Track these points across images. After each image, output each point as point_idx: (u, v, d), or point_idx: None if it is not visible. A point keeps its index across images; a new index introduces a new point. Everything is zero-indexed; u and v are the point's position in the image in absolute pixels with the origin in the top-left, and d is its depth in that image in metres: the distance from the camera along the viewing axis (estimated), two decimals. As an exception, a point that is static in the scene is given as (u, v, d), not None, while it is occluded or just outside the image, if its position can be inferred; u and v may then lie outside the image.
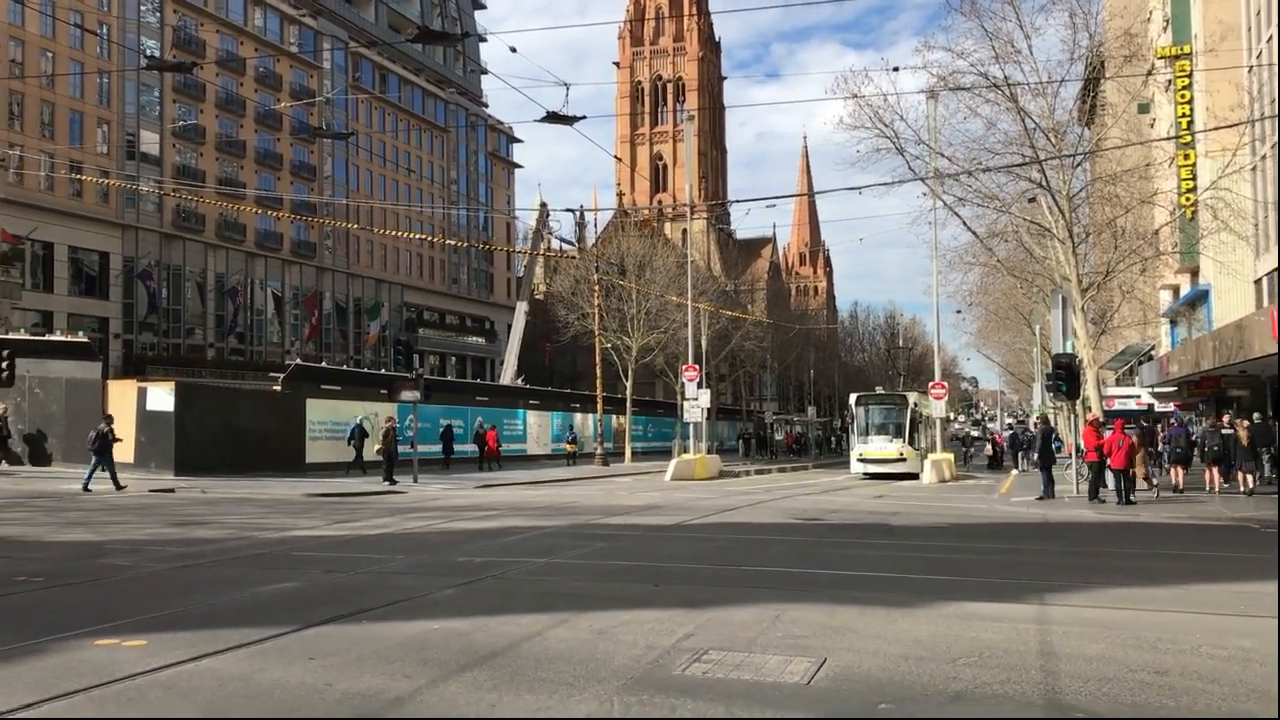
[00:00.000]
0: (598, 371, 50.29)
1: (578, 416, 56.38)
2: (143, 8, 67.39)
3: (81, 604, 9.55)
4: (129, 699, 6.14)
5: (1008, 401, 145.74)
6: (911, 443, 41.05)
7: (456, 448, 41.03)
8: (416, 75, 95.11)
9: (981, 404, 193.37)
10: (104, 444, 24.93)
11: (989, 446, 54.96)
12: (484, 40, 34.49)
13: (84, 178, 60.26)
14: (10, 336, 32.14)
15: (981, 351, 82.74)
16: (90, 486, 24.32)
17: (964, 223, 32.49)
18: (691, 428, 41.92)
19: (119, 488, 24.63)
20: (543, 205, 70.47)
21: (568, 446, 49.31)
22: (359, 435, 34.88)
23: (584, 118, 26.00)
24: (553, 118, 25.11)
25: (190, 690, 6.34)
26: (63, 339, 37.75)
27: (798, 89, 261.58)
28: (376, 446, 31.53)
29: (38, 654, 7.22)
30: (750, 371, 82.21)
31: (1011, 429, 58.85)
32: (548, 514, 20.41)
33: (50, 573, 11.36)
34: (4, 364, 27.24)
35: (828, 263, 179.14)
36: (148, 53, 61.66)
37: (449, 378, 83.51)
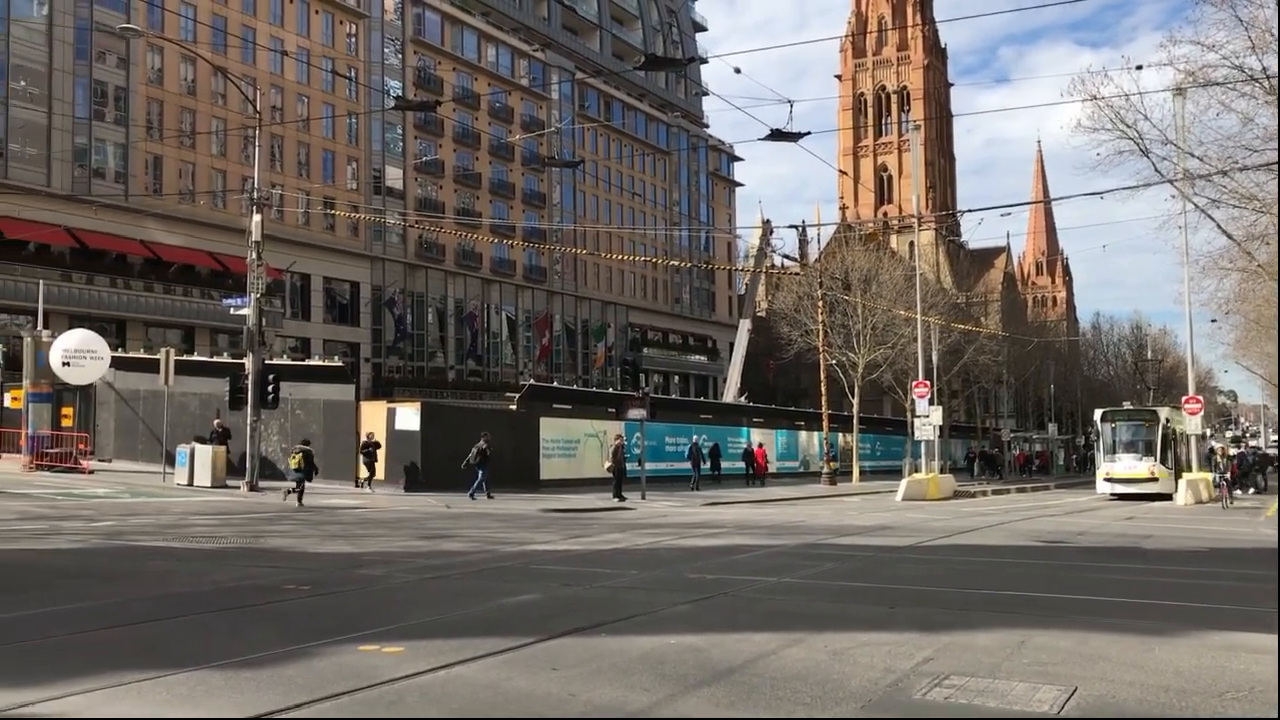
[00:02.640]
0: (823, 389, 49.76)
1: (802, 434, 55.92)
2: (386, 50, 71.94)
3: (344, 611, 10.22)
4: (390, 702, 6.53)
5: (1272, 417, 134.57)
6: (1164, 461, 38.57)
7: (704, 464, 42.90)
8: (640, 101, 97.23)
9: (1242, 419, 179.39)
10: (484, 458, 29.30)
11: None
12: (705, 62, 35.22)
13: (336, 213, 64.76)
14: (275, 362, 34.78)
15: (1241, 363, 76.71)
16: (475, 496, 28.79)
17: (1218, 226, 30.34)
18: (923, 446, 40.83)
19: (489, 496, 28.72)
20: (766, 222, 70.54)
21: (827, 465, 49.06)
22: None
23: (808, 134, 25.87)
24: (777, 135, 25.11)
25: (444, 696, 6.68)
26: (320, 364, 40.64)
27: (1028, 93, 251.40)
28: (606, 464, 32.27)
29: (308, 657, 7.77)
30: (985, 387, 79.33)
31: (1240, 451, 53.83)
32: (775, 533, 20.34)
33: (315, 581, 12.21)
34: (270, 387, 29.53)
35: (1066, 272, 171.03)
36: (391, 93, 65.76)
37: (673, 396, 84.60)
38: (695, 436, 41.21)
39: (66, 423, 33.36)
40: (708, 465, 41.64)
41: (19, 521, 18.92)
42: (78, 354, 31.30)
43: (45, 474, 30.04)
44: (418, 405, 33.30)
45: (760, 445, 47.83)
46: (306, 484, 25.51)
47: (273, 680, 7.00)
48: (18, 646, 8.33)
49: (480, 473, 29.32)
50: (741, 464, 45.87)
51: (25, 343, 33.16)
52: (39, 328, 36.23)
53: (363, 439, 30.71)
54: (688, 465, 41.81)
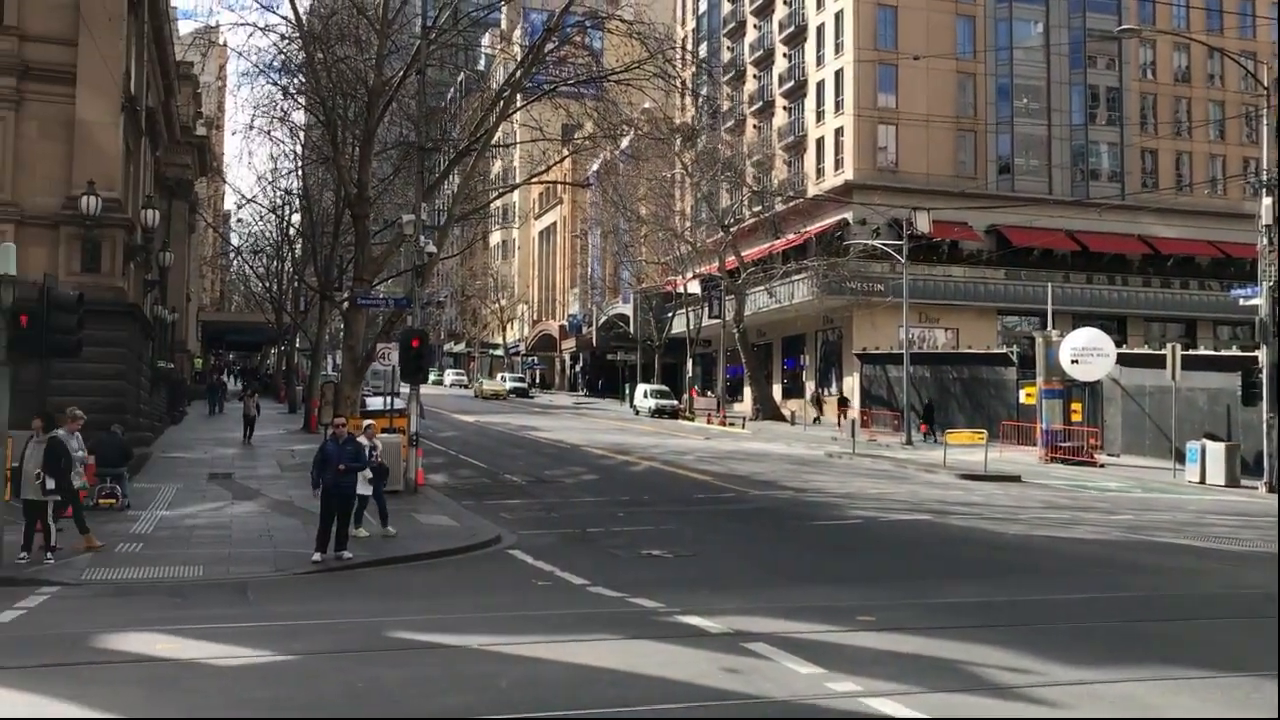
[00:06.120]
0: None
1: None
2: None
3: None
4: None
5: None
6: None
7: None
8: None
9: None
10: None
11: None
12: None
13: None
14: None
15: None
16: None
17: None
18: None
19: None
20: None
21: None
22: None
23: None
24: None
25: None
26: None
27: None
28: None
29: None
30: None
31: None
32: None
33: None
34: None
35: None
36: None
37: None
38: None
39: (1075, 418, 34.92)
40: None
41: (1043, 510, 20.41)
42: (1085, 352, 32.60)
43: (1059, 466, 31.82)
44: None
45: None
46: None
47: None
48: (1066, 628, 9.04)
49: None
50: None
51: (1036, 342, 35.57)
52: (1047, 328, 38.58)
53: None
54: None
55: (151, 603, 11.02)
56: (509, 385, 70.84)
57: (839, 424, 44.81)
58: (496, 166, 72.22)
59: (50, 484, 13.04)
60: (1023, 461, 31.80)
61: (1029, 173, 55.19)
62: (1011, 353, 40.77)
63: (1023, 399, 37.04)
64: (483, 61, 50.40)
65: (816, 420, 49.31)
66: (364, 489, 14.64)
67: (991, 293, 51.93)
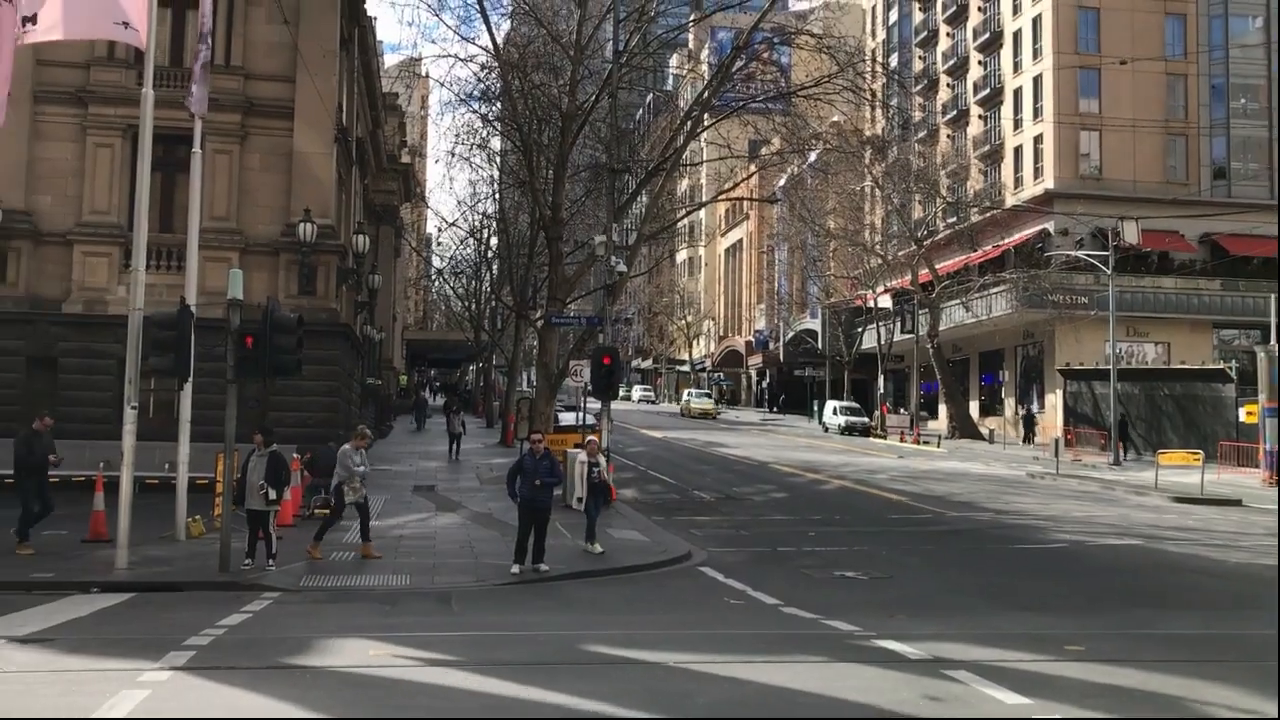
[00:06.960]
0: None
1: None
2: None
3: None
4: None
5: None
6: None
7: None
8: None
9: None
10: None
11: None
12: None
13: None
14: None
15: None
16: None
17: None
18: None
19: None
20: None
21: None
22: None
23: None
24: None
25: None
26: None
27: None
28: None
29: None
30: None
31: None
32: None
33: None
34: None
35: None
36: None
37: None
38: None
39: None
40: None
41: (1267, 537, 19.01)
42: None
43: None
44: None
45: None
46: None
47: None
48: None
49: None
50: None
51: (1258, 357, 33.21)
52: (1270, 341, 36.04)
53: None
54: None
55: (364, 609, 11.58)
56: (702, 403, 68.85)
57: (1036, 443, 43.06)
58: (684, 185, 72.77)
59: (273, 494, 13.89)
60: (1243, 485, 29.75)
61: (1247, 177, 51.86)
62: (1229, 368, 38.26)
63: (1243, 418, 34.69)
64: (670, 81, 50.98)
65: (1027, 439, 47.19)
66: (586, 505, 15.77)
67: (1206, 305, 48.89)
